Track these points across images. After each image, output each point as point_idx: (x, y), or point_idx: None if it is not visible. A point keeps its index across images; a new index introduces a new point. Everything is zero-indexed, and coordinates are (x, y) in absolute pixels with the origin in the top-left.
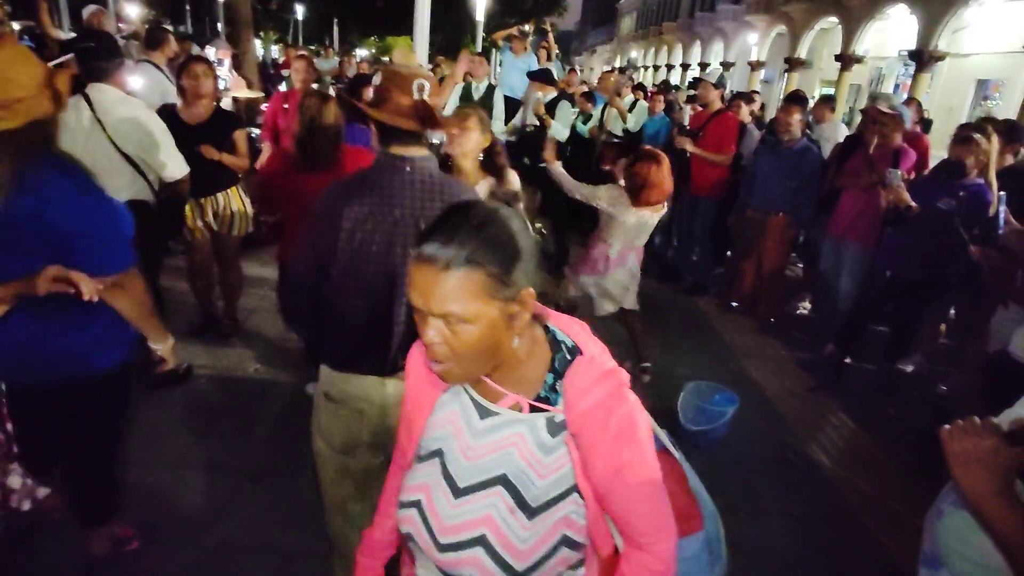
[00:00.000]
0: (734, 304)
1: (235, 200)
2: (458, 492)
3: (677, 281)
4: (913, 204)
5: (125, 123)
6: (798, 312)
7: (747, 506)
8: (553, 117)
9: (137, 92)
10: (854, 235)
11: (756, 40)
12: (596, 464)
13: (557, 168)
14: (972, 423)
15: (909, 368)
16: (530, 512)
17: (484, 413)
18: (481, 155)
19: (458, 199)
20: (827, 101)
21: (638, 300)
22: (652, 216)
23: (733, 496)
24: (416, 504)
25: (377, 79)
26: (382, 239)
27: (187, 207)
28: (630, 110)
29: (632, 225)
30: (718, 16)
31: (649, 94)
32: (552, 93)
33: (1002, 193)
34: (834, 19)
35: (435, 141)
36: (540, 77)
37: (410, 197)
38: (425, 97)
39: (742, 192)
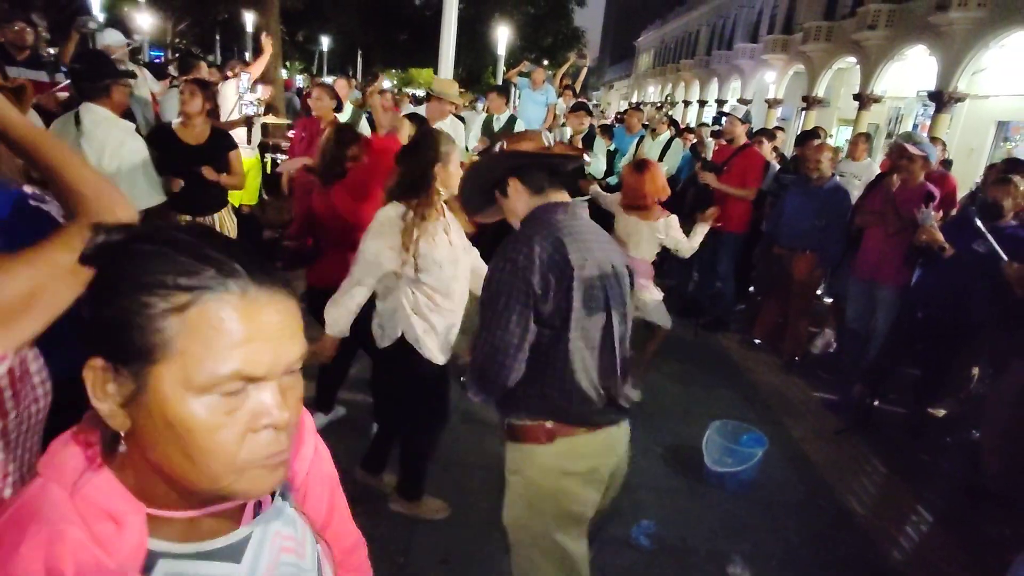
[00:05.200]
0: (757, 341)
1: (223, 221)
2: None
3: (698, 316)
4: (947, 245)
5: (105, 145)
6: (822, 351)
7: (777, 553)
8: (591, 150)
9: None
10: (885, 276)
11: (774, 78)
12: None
13: (595, 189)
14: None
15: (941, 412)
16: None
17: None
18: None
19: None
20: (866, 140)
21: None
22: (641, 223)
23: (762, 543)
24: None
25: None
26: (602, 286)
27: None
28: (667, 147)
29: (620, 228)
30: (735, 54)
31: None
32: (586, 125)
33: None
34: (852, 59)
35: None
36: (579, 108)
37: (597, 241)
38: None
39: (767, 228)
